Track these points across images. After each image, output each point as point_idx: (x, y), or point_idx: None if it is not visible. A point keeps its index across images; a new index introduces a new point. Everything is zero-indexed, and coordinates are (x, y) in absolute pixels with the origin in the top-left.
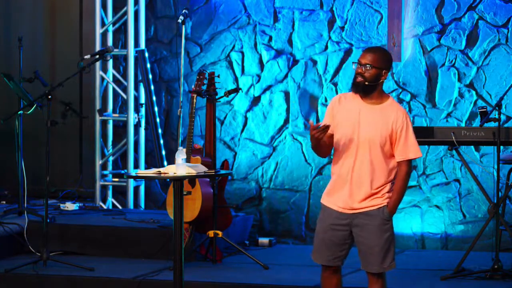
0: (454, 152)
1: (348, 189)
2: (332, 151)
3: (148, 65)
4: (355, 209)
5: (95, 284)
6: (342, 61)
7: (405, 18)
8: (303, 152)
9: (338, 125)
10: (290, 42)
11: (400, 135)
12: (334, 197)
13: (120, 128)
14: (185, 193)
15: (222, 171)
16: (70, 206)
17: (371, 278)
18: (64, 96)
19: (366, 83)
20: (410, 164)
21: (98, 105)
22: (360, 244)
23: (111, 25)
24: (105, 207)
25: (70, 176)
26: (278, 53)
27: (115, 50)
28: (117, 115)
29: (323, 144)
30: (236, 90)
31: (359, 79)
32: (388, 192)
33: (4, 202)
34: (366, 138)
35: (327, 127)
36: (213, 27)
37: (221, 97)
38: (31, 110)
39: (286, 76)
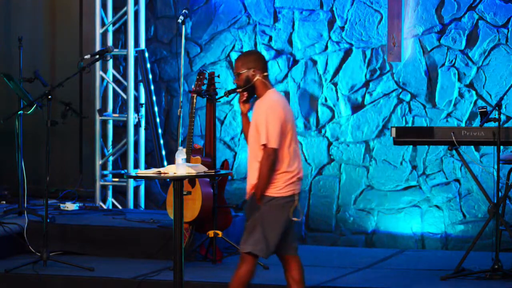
0: (454, 152)
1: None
2: None
3: (148, 65)
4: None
5: (95, 284)
6: (342, 61)
7: (405, 18)
8: (303, 152)
9: None
10: (290, 42)
11: (260, 124)
12: None
13: (120, 128)
14: (185, 193)
15: (222, 171)
16: (70, 206)
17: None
18: (64, 96)
19: (240, 89)
20: (266, 150)
21: (98, 105)
22: None
23: (111, 25)
24: (105, 207)
25: (70, 176)
26: (278, 53)
27: (115, 50)
28: (117, 115)
29: None
30: (236, 90)
31: (237, 89)
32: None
33: (4, 202)
34: (250, 133)
35: None
36: (213, 27)
37: (221, 97)
38: (31, 110)
39: (286, 76)
